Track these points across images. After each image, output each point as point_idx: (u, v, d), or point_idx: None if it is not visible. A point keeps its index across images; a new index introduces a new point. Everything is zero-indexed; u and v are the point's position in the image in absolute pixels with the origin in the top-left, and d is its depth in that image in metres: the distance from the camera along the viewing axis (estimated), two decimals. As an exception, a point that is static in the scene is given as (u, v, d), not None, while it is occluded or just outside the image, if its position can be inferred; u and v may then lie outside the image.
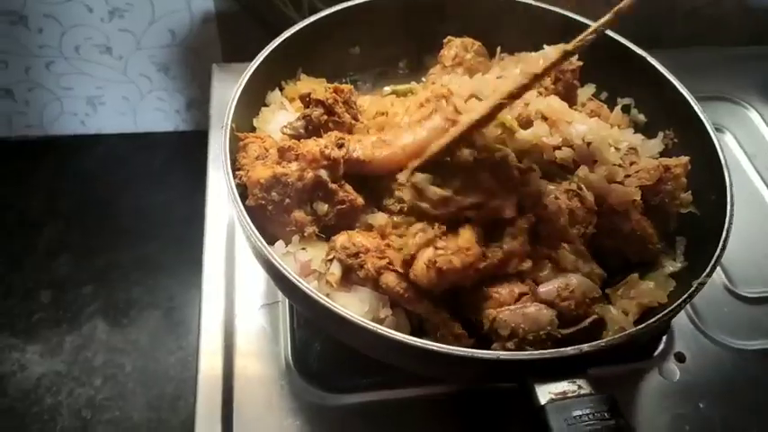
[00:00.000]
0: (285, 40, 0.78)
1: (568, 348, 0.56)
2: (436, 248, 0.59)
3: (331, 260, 0.63)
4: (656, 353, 0.76)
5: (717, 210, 0.67)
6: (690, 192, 0.71)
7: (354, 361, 0.69)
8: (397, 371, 0.63)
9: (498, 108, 0.60)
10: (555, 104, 0.71)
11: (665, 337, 0.78)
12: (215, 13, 1.14)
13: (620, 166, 0.70)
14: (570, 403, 0.54)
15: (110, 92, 1.26)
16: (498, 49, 0.85)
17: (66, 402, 1.04)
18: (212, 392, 0.71)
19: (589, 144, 0.69)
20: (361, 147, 0.66)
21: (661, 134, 0.79)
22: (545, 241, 0.64)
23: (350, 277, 0.63)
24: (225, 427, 0.68)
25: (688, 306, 0.81)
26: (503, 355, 0.57)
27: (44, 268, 1.17)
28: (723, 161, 0.69)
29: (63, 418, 1.03)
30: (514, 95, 0.60)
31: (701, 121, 0.73)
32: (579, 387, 0.56)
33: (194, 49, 1.20)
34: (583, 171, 0.67)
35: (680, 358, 0.76)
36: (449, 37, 0.84)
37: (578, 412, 0.53)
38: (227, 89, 1.02)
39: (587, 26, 0.63)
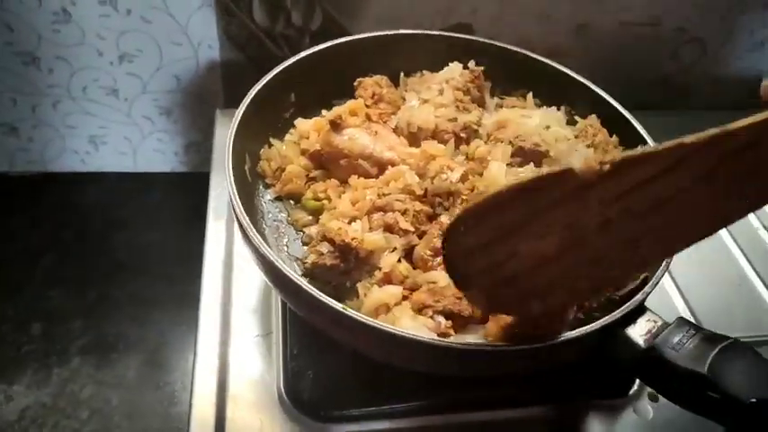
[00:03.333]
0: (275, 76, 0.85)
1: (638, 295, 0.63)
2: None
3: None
4: (630, 391, 0.80)
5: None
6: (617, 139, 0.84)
7: (348, 391, 0.73)
8: (394, 401, 0.67)
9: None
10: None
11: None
12: (220, 61, 1.21)
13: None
14: (665, 334, 0.59)
15: (112, 132, 1.31)
16: (401, 74, 0.95)
17: (50, 435, 1.05)
18: (205, 424, 0.73)
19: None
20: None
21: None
22: None
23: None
24: (218, 458, 0.70)
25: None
26: (607, 319, 0.61)
27: (38, 300, 1.18)
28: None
29: (46, 452, 1.03)
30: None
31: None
32: (654, 321, 0.62)
33: (197, 95, 1.26)
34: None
35: (653, 398, 0.80)
36: (358, 79, 0.91)
37: (675, 338, 0.58)
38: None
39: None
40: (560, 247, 0.53)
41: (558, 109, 0.90)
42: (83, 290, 1.22)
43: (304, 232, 0.79)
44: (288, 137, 0.88)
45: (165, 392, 1.12)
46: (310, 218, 0.80)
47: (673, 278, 0.94)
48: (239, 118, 0.78)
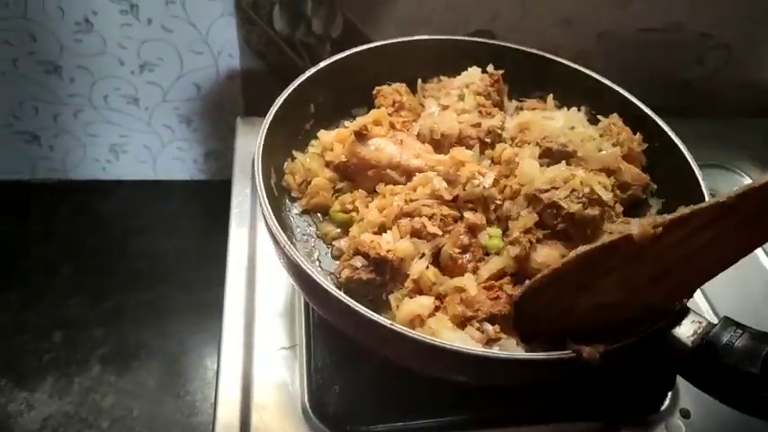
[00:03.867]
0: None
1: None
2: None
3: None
4: (662, 408, 0.78)
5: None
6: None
7: (374, 406, 0.72)
8: (420, 417, 0.66)
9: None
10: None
11: (670, 393, 0.80)
12: (240, 70, 1.21)
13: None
14: (713, 335, 0.58)
15: (133, 141, 1.31)
16: (419, 80, 0.93)
17: (71, 444, 1.05)
18: (229, 434, 0.73)
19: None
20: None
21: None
22: None
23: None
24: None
25: (692, 363, 0.85)
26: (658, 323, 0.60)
27: (59, 308, 1.19)
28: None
29: (68, 461, 1.04)
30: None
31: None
32: (699, 321, 0.61)
33: (217, 103, 1.26)
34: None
35: (685, 414, 0.78)
36: (377, 88, 0.90)
37: (724, 338, 0.57)
38: (251, 141, 1.09)
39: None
40: (615, 298, 0.60)
41: (579, 109, 0.88)
42: (103, 298, 1.23)
43: (334, 246, 0.78)
44: (310, 149, 0.87)
45: (186, 402, 1.12)
46: (339, 231, 0.78)
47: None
48: (265, 133, 0.77)
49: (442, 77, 0.94)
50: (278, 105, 0.81)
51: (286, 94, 0.83)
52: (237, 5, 1.12)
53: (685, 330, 0.60)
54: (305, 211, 0.82)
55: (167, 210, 1.38)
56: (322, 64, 0.89)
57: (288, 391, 0.76)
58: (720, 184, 1.13)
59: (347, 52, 0.91)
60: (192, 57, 1.19)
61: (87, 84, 1.21)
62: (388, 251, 0.67)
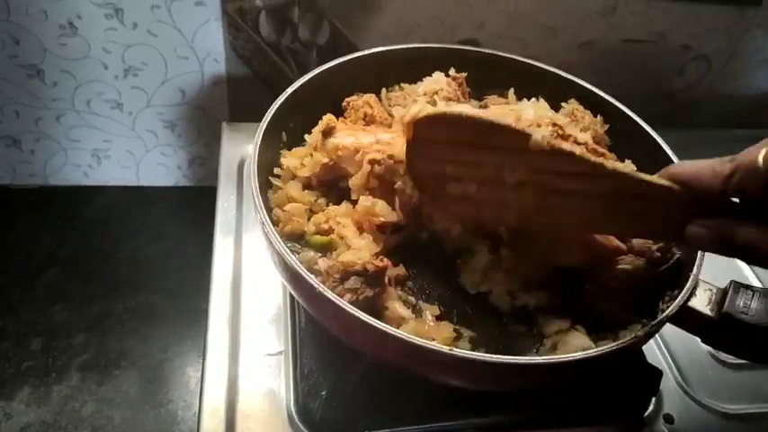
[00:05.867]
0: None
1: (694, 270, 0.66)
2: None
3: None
4: (646, 414, 0.79)
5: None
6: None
7: (361, 412, 0.71)
8: (407, 423, 0.65)
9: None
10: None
11: (654, 399, 0.81)
12: (226, 75, 1.20)
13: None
14: (729, 301, 0.63)
15: (116, 146, 1.30)
16: (383, 90, 0.91)
17: (50, 454, 1.03)
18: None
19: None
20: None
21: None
22: None
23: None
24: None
25: (675, 370, 0.86)
26: (679, 300, 0.64)
27: (39, 315, 1.17)
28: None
29: (46, 471, 1.01)
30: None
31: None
32: (710, 289, 0.65)
33: (202, 109, 1.26)
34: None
35: (668, 419, 0.79)
36: (347, 99, 0.87)
37: (740, 302, 0.62)
38: (236, 147, 1.08)
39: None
40: (482, 180, 0.64)
41: (537, 99, 0.88)
42: (84, 305, 1.21)
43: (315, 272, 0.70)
44: (278, 181, 0.80)
45: (169, 410, 1.10)
46: (320, 255, 0.72)
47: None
48: (257, 156, 0.73)
49: (402, 85, 0.93)
50: (263, 127, 0.76)
51: (268, 117, 0.78)
52: (224, 11, 1.12)
53: (701, 301, 0.64)
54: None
55: (150, 216, 1.37)
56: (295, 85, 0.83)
57: (274, 397, 0.75)
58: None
59: (313, 73, 0.86)
60: (177, 62, 1.18)
61: (70, 88, 1.20)
62: (379, 258, 0.67)
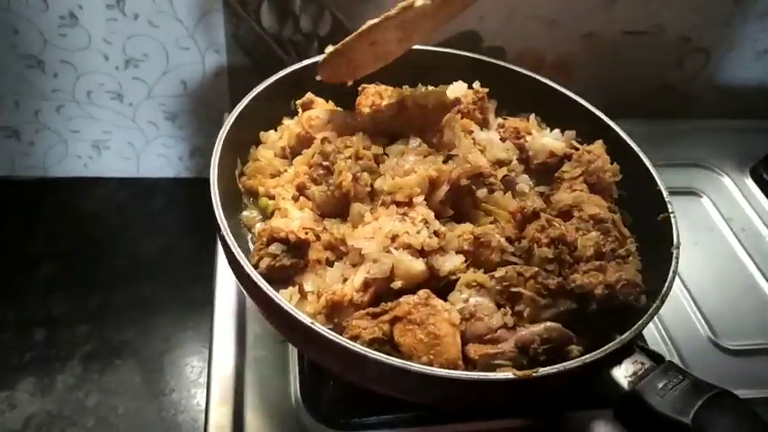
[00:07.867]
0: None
1: (625, 334, 0.60)
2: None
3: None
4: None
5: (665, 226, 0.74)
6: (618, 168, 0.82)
7: (367, 398, 0.72)
8: (413, 408, 0.66)
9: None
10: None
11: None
12: (227, 66, 1.20)
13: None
14: (650, 378, 0.57)
15: (116, 137, 1.30)
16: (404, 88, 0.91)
17: (55, 444, 1.03)
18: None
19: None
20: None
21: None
22: None
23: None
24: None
25: (676, 355, 0.87)
26: (588, 357, 0.58)
27: (40, 306, 1.17)
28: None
29: (51, 460, 1.02)
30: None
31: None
32: (641, 363, 0.59)
33: (203, 100, 1.25)
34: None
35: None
36: (363, 85, 0.87)
37: (660, 383, 0.56)
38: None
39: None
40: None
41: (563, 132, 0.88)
42: (86, 296, 1.21)
43: (253, 233, 0.74)
44: (260, 149, 0.85)
45: (172, 399, 1.11)
46: (261, 218, 0.75)
47: (685, 286, 0.95)
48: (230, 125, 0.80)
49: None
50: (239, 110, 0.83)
51: (259, 89, 0.86)
52: (225, 1, 1.11)
53: (625, 370, 0.59)
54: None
55: (151, 207, 1.37)
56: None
57: (281, 386, 0.76)
58: (703, 184, 1.16)
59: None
60: (178, 53, 1.18)
61: (71, 79, 1.19)
62: (305, 231, 0.67)
